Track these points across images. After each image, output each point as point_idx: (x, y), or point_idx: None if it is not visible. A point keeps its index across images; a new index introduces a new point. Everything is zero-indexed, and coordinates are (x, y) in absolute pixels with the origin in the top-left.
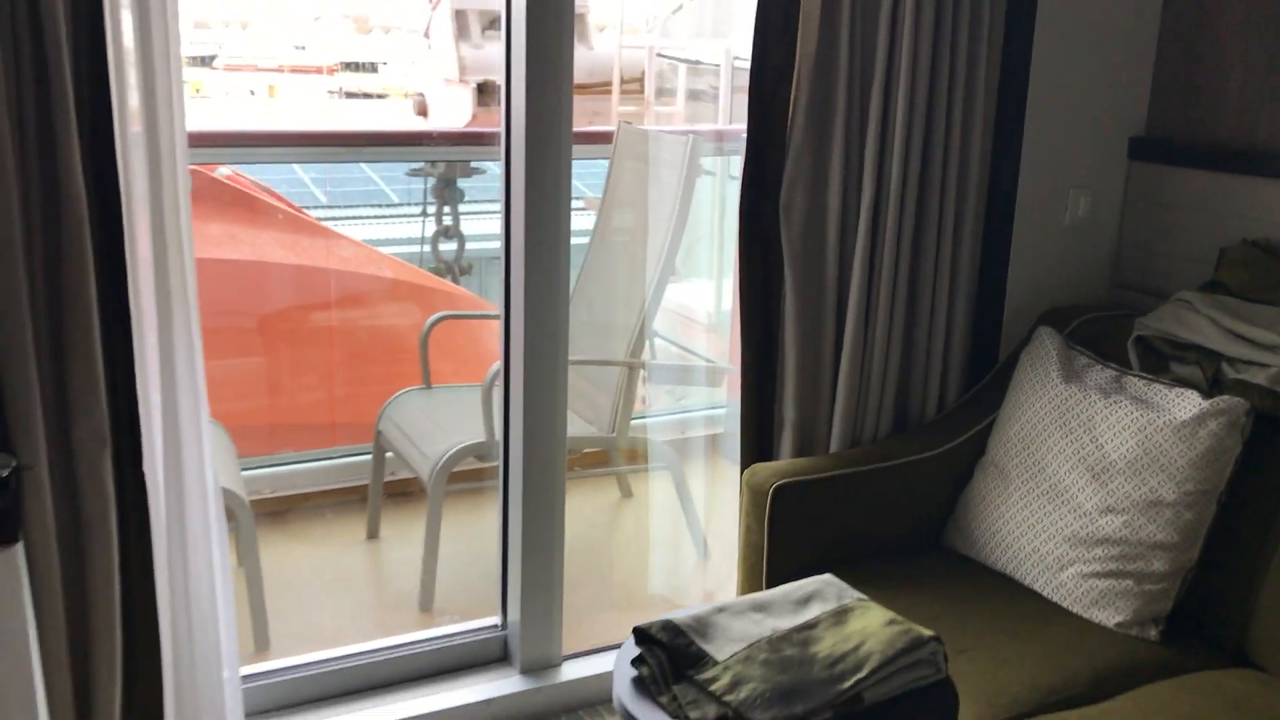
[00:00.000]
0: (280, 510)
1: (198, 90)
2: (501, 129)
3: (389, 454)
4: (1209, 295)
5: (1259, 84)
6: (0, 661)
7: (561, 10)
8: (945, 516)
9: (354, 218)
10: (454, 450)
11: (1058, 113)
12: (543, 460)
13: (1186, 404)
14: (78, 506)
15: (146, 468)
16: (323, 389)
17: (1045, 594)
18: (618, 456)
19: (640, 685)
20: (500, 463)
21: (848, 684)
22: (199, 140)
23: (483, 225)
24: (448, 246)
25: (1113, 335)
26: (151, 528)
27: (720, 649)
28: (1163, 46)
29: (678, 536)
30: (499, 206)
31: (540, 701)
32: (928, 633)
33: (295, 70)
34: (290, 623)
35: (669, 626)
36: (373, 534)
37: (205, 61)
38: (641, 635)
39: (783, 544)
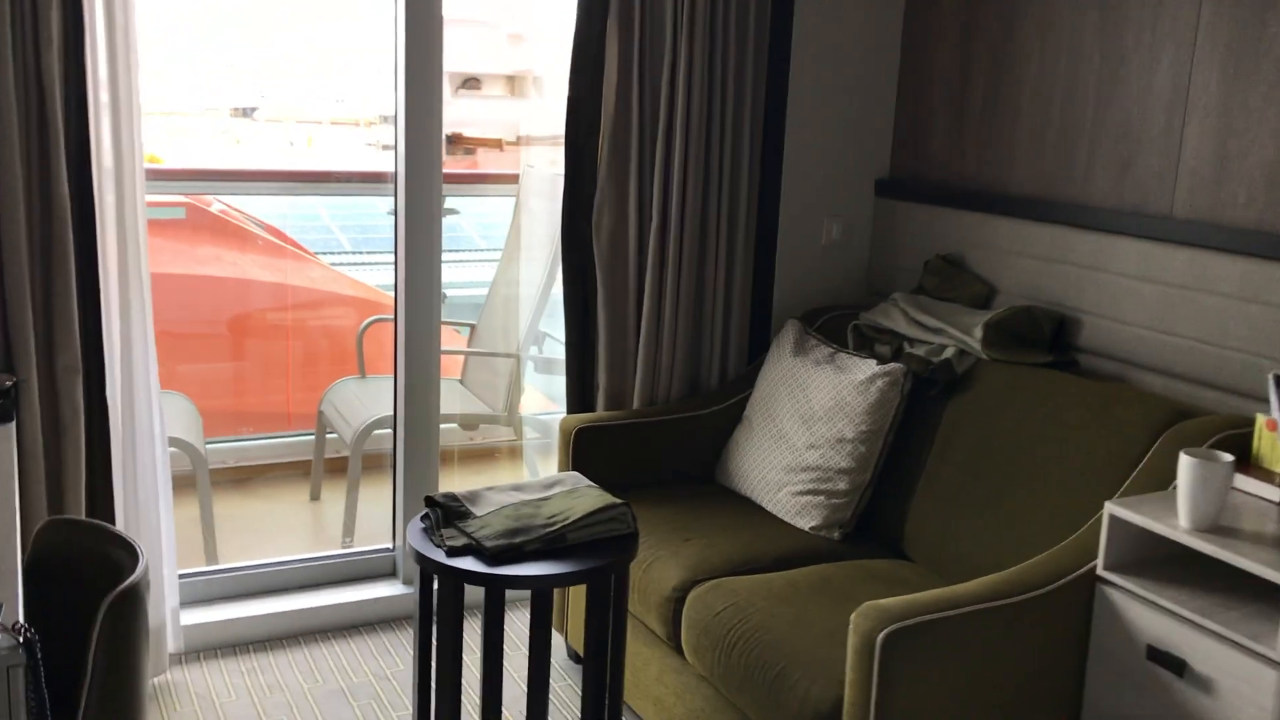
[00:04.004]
0: (242, 478)
1: (238, 141)
2: (393, 172)
3: (330, 433)
4: (910, 295)
5: (954, 140)
6: None
7: (430, 76)
8: (716, 459)
9: (374, 263)
10: (370, 420)
11: (810, 160)
12: (420, 425)
13: (865, 369)
14: (57, 414)
15: (108, 393)
16: (282, 381)
17: (767, 508)
18: (515, 431)
19: (424, 532)
20: (393, 428)
21: (555, 527)
22: (161, 175)
23: (461, 273)
24: None
25: (846, 326)
26: (110, 437)
27: (481, 509)
28: (898, 108)
29: None
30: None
31: (414, 604)
32: (619, 500)
33: (335, 123)
34: (239, 554)
35: (448, 494)
36: (315, 496)
37: (247, 113)
38: (429, 500)
39: (584, 473)
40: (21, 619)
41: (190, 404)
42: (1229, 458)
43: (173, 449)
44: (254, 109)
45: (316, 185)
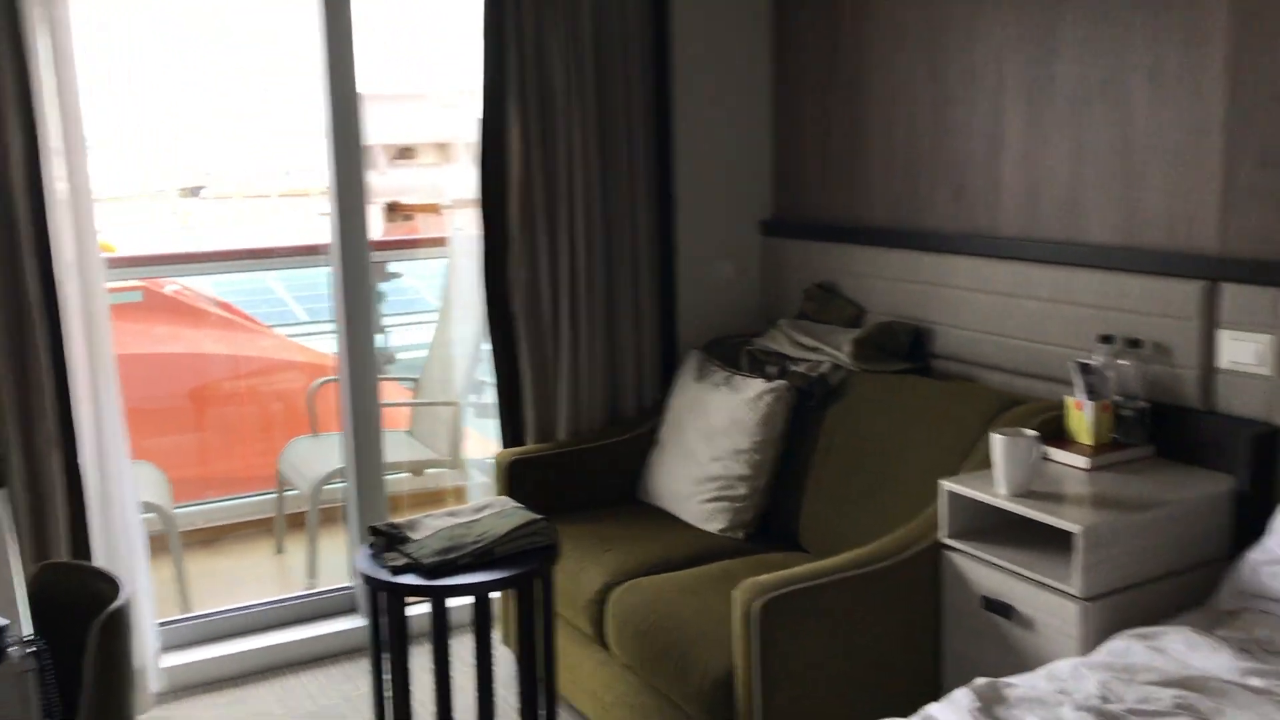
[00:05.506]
0: (210, 538)
1: (185, 222)
2: (330, 242)
3: (289, 490)
4: (793, 320)
5: (822, 181)
6: None
7: (353, 150)
8: (637, 479)
9: (327, 331)
10: (325, 473)
11: (700, 207)
12: (368, 475)
13: (754, 387)
14: (38, 481)
15: (81, 463)
16: (242, 445)
17: (681, 517)
18: (461, 473)
19: (371, 558)
20: (345, 480)
21: (483, 543)
22: (117, 263)
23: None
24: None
25: (741, 351)
26: (87, 503)
27: (419, 534)
28: (775, 156)
29: None
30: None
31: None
32: (540, 517)
33: (284, 195)
34: (212, 605)
35: (390, 523)
36: (280, 549)
37: (195, 192)
38: (373, 529)
39: (518, 500)
40: (29, 634)
41: (159, 472)
42: (1031, 433)
43: (147, 514)
44: (201, 188)
45: (263, 261)
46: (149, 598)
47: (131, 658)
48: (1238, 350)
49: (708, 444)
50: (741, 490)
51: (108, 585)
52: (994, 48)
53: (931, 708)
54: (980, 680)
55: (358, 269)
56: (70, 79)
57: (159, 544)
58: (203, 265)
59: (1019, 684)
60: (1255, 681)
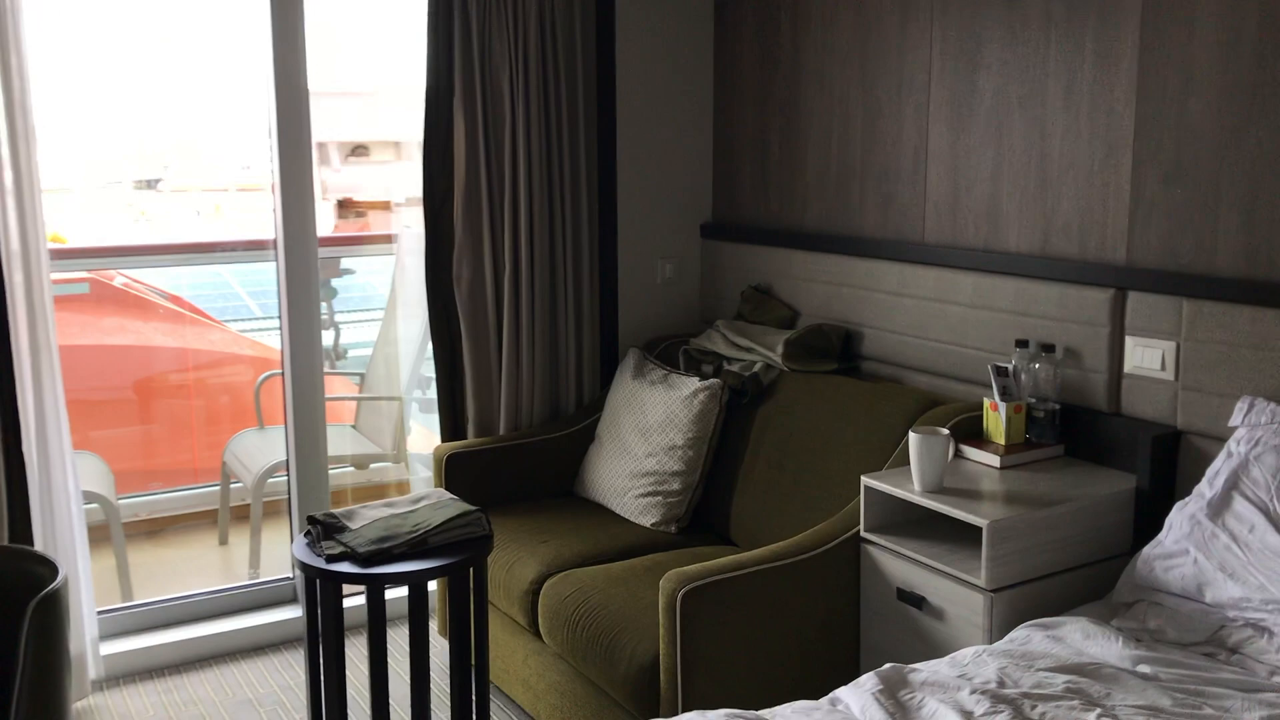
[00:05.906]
0: (154, 530)
1: (143, 214)
2: (275, 237)
3: (234, 482)
4: (730, 321)
5: (759, 187)
6: None
7: (301, 146)
8: (575, 474)
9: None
10: (268, 465)
11: (641, 210)
12: (311, 468)
13: (689, 385)
14: None
15: (25, 451)
16: (188, 437)
17: (616, 511)
18: (405, 468)
19: (308, 546)
20: (288, 470)
21: (418, 533)
22: (64, 254)
23: (359, 332)
24: (326, 336)
25: (679, 351)
26: (29, 490)
27: (356, 524)
28: (715, 162)
29: None
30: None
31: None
32: (473, 508)
33: (242, 189)
34: (153, 595)
35: (327, 513)
36: (223, 540)
37: (151, 185)
38: (311, 519)
39: (456, 494)
40: None
41: (102, 463)
42: (944, 432)
43: (90, 504)
44: (158, 180)
45: (211, 255)
46: (89, 585)
47: (68, 641)
48: (1143, 356)
49: (643, 440)
50: (675, 485)
51: (45, 569)
52: (922, 64)
53: (839, 691)
54: (887, 666)
55: (304, 264)
56: (20, 66)
57: (101, 534)
58: (154, 258)
59: (923, 669)
60: (1144, 669)
